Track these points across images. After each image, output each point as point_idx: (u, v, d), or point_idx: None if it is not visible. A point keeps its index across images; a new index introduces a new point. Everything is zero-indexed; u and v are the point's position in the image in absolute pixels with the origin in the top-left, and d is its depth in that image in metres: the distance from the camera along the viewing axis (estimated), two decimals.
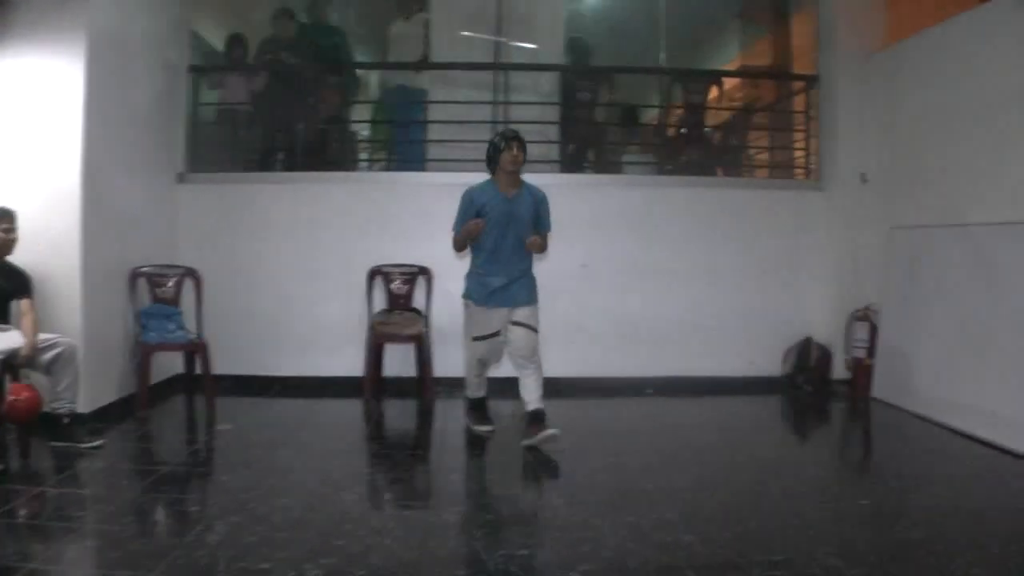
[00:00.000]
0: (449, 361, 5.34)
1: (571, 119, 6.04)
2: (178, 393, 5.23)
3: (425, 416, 5.03)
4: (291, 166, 5.92)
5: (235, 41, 5.94)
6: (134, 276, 4.95)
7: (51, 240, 4.27)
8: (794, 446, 4.75)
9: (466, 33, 5.82)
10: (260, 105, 5.96)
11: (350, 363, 5.32)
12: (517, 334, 4.14)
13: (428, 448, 4.46)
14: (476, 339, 4.22)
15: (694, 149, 6.06)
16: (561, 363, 5.38)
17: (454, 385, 5.25)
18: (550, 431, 3.98)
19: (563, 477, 3.77)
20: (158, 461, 3.96)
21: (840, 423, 5.26)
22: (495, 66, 5.80)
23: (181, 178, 5.65)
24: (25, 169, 4.34)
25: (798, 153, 6.00)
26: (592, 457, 3.97)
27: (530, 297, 4.22)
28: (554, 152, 5.95)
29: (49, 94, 4.35)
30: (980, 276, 4.44)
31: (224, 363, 5.39)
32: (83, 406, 4.18)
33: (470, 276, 4.27)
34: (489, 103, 5.70)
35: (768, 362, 5.64)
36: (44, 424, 3.86)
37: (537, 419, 4.09)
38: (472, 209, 4.15)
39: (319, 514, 3.06)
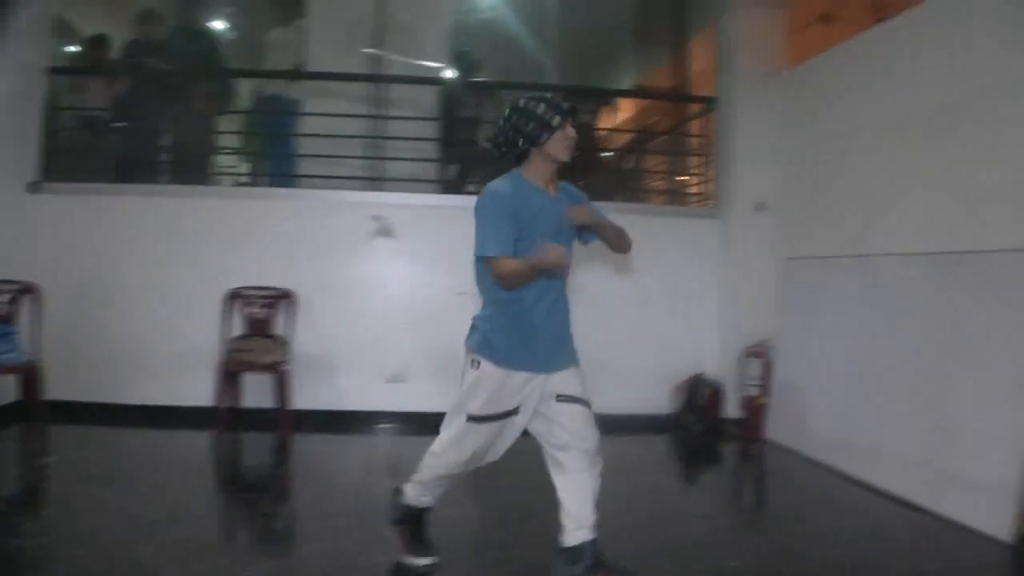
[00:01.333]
0: (311, 393, 5.49)
1: (453, 137, 6.25)
2: (16, 420, 5.13)
3: (277, 453, 5.06)
4: (153, 177, 6.01)
5: (96, 42, 6.06)
6: None
7: None
8: (674, 493, 4.71)
9: (344, 42, 6.08)
10: (122, 112, 6.04)
11: (206, 392, 5.31)
12: (573, 415, 3.00)
13: (267, 489, 4.39)
14: (475, 419, 2.99)
15: (584, 172, 6.31)
16: (434, 397, 5.63)
17: (315, 419, 5.44)
18: None
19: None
20: None
21: (728, 468, 5.36)
22: (374, 78, 5.97)
23: (34, 187, 5.66)
24: None
25: (694, 179, 6.24)
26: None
27: (574, 355, 3.20)
28: (433, 172, 6.13)
29: None
30: (879, 310, 4.57)
31: (72, 388, 5.49)
32: None
33: (490, 320, 3.17)
34: (366, 117, 5.87)
35: (656, 400, 5.78)
36: None
37: (602, 563, 2.93)
38: (514, 219, 2.96)
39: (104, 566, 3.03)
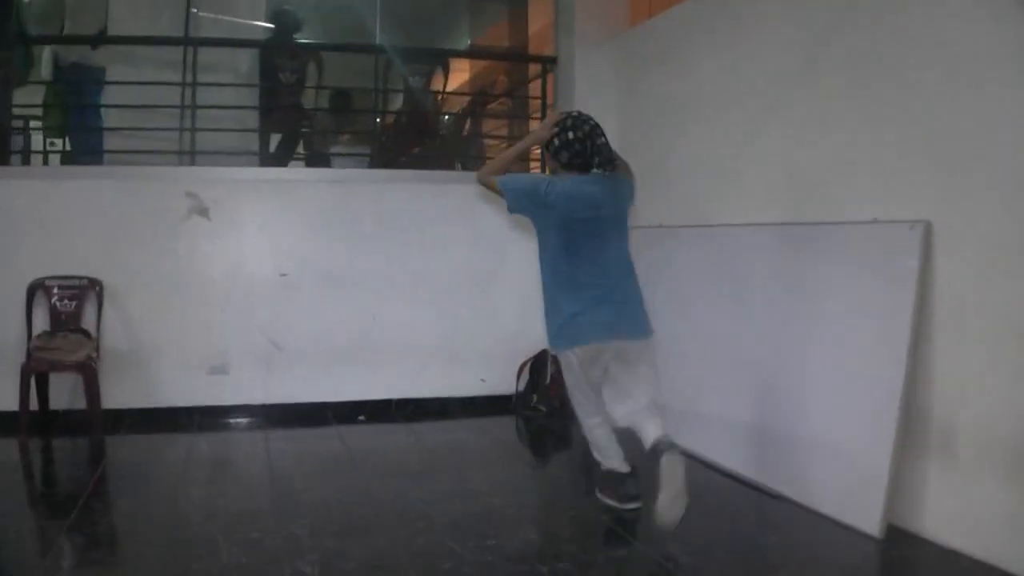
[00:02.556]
0: (125, 390, 5.55)
1: (272, 104, 6.28)
2: None
3: (87, 457, 5.06)
4: None
5: None
6: None
7: None
8: (501, 485, 4.48)
9: (150, 2, 6.10)
10: None
11: (10, 395, 5.19)
12: None
13: (73, 497, 4.19)
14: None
15: (414, 139, 6.47)
16: (256, 388, 5.76)
17: (131, 418, 5.51)
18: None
19: (300, 510, 3.90)
20: None
21: (569, 450, 5.44)
22: (184, 41, 5.90)
23: None
24: None
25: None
26: (295, 487, 4.27)
27: None
28: (253, 142, 6.19)
29: None
30: (726, 280, 4.71)
31: None
32: None
33: None
34: (176, 85, 5.80)
35: (501, 380, 6.00)
36: None
37: None
38: None
39: None
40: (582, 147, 3.72)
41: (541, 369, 6.01)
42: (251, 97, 6.28)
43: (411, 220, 5.94)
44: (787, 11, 4.37)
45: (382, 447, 5.28)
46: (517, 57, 6.58)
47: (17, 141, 6.22)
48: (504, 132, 6.75)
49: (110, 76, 6.19)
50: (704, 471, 4.52)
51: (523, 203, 3.80)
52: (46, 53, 6.28)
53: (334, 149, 6.54)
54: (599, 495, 3.98)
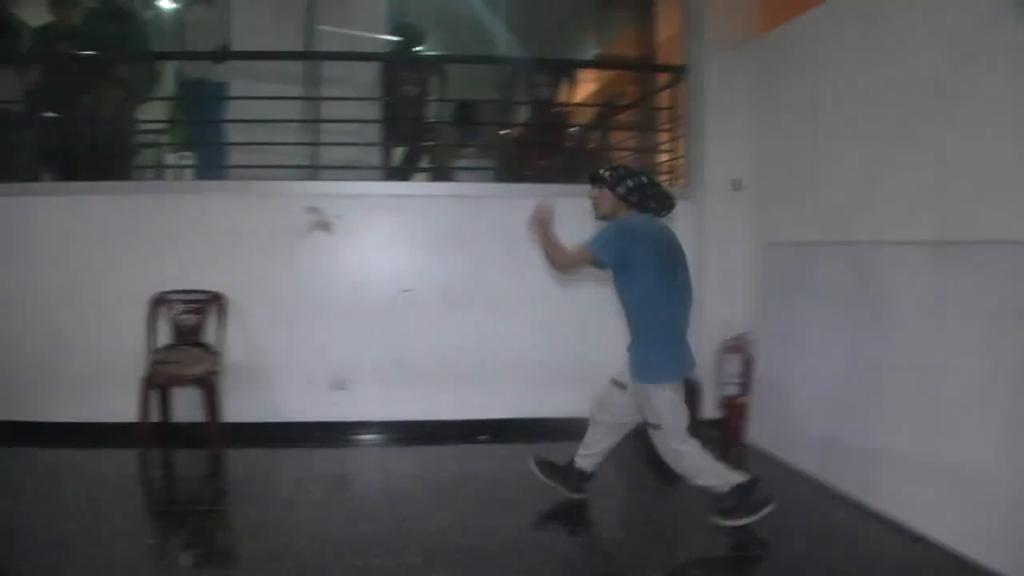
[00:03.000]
0: (245, 404, 5.67)
1: (395, 118, 6.33)
2: None
3: (206, 470, 5.21)
4: (68, 174, 6.11)
5: (2, 28, 6.15)
6: None
7: None
8: (623, 516, 4.62)
9: (271, 18, 6.24)
10: (32, 104, 6.16)
11: (131, 407, 5.33)
12: None
13: (190, 510, 4.42)
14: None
15: (544, 152, 6.43)
16: (376, 405, 5.81)
17: (250, 432, 5.62)
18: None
19: (390, 533, 3.96)
20: None
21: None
22: (306, 56, 6.07)
23: None
24: None
25: (663, 156, 6.31)
26: (412, 512, 4.26)
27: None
28: (375, 157, 6.21)
29: None
30: (869, 301, 4.52)
31: None
32: None
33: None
34: (299, 99, 5.98)
35: None
36: None
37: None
38: None
39: None
40: (650, 187, 4.19)
41: None
42: (373, 111, 6.35)
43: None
44: (936, 5, 4.19)
45: (502, 469, 5.21)
46: (645, 66, 6.57)
47: (142, 157, 6.42)
48: (632, 144, 6.72)
49: (232, 91, 6.35)
50: (846, 507, 4.40)
51: (621, 251, 4.03)
52: (169, 70, 6.51)
53: (457, 163, 6.57)
54: (730, 521, 4.06)
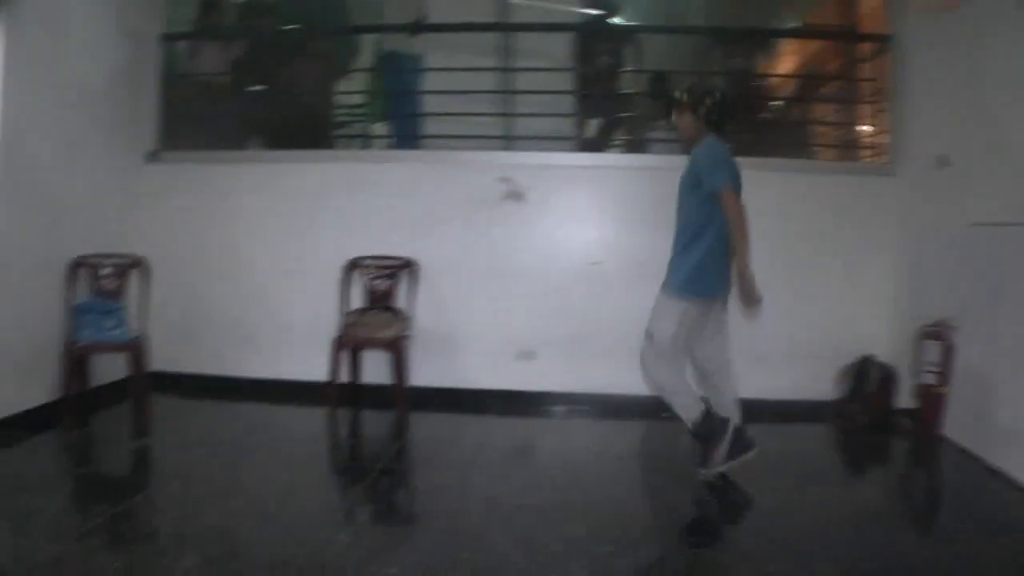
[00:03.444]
0: (432, 369, 5.94)
1: (591, 89, 6.43)
2: (126, 396, 5.71)
3: (390, 432, 5.46)
4: (270, 143, 6.56)
5: (209, 5, 6.61)
6: (73, 267, 5.49)
7: None
8: (824, 497, 4.39)
9: None
10: (237, 77, 6.62)
11: (323, 366, 5.75)
12: None
13: (371, 469, 4.62)
14: None
15: (742, 125, 6.26)
16: (563, 377, 5.96)
17: (436, 397, 5.89)
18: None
19: (559, 505, 4.03)
20: (39, 478, 4.31)
21: (892, 470, 5.23)
22: (499, 27, 6.23)
23: (152, 157, 6.34)
24: None
25: (864, 129, 6.17)
26: (585, 485, 4.35)
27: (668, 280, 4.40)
28: (569, 128, 6.35)
29: None
30: None
31: (186, 362, 6.22)
32: None
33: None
34: (493, 70, 6.14)
35: (818, 384, 5.82)
36: None
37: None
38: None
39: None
40: (725, 102, 4.37)
41: (863, 375, 5.78)
42: (567, 82, 6.50)
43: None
44: None
45: (683, 447, 5.10)
46: (847, 36, 6.44)
47: (340, 127, 6.80)
48: (835, 118, 6.65)
49: (428, 63, 6.59)
50: None
51: (736, 175, 4.24)
52: (367, 43, 6.84)
53: (651, 135, 6.66)
54: (712, 468, 4.30)
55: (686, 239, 4.30)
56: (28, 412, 5.19)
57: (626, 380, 5.78)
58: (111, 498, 4.01)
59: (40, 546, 3.37)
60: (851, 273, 5.94)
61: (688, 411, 4.31)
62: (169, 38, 6.57)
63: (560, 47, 6.54)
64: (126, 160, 6.25)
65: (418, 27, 6.48)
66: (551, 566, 3.31)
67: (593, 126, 6.68)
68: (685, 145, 4.49)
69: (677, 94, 4.36)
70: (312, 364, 5.90)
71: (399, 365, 5.73)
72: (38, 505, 3.83)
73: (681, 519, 3.98)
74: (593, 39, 6.50)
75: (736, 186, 4.17)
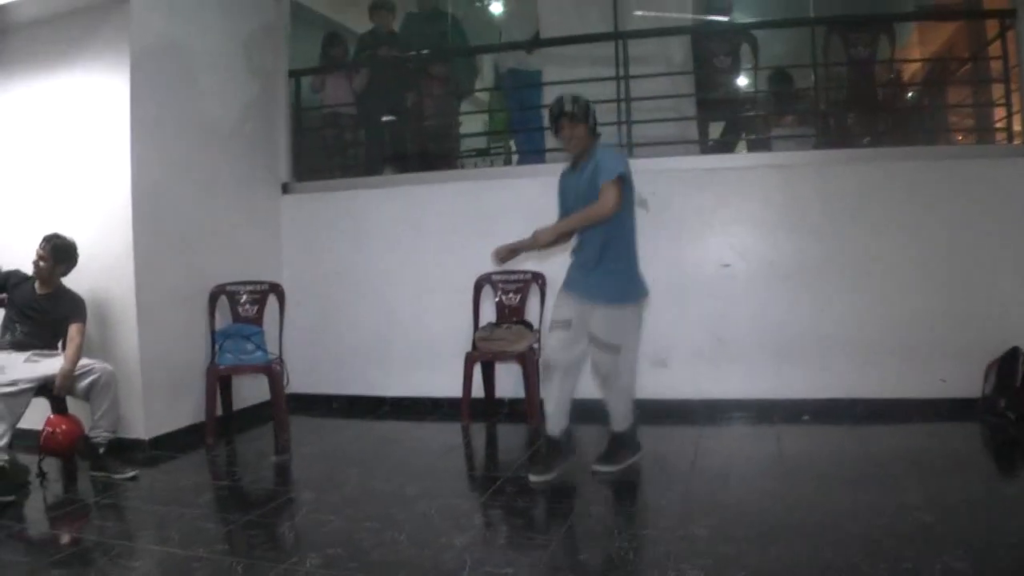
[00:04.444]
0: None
1: (709, 91, 6.24)
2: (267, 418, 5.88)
3: (522, 443, 5.45)
4: (397, 168, 6.64)
5: (332, 40, 6.80)
6: (215, 294, 5.75)
7: (106, 263, 5.15)
8: (941, 501, 3.88)
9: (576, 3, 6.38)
10: (362, 105, 6.77)
11: (457, 382, 5.80)
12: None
13: (501, 479, 4.57)
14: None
15: (865, 113, 6.08)
16: (696, 383, 5.80)
17: (575, 407, 5.91)
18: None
19: (708, 510, 3.84)
20: (180, 494, 4.46)
21: None
22: (614, 36, 6.10)
23: (286, 188, 6.60)
24: (79, 192, 5.27)
25: (997, 111, 5.89)
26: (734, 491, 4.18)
27: (601, 293, 4.39)
28: (691, 132, 6.20)
29: (98, 113, 5.26)
30: None
31: (327, 383, 6.42)
32: (144, 432, 5.18)
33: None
34: (611, 79, 6.01)
35: (964, 380, 5.48)
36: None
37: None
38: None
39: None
40: None
41: (1011, 369, 5.41)
42: (687, 85, 6.39)
43: (859, 203, 5.65)
44: None
45: (820, 450, 5.01)
46: (968, 14, 6.13)
47: (465, 146, 6.86)
48: (969, 100, 6.33)
49: (546, 78, 6.59)
50: None
51: (630, 173, 4.29)
52: (486, 62, 6.92)
53: (775, 132, 6.46)
54: (618, 465, 4.51)
55: (595, 252, 4.36)
56: (176, 432, 5.46)
57: (761, 384, 5.67)
58: (245, 508, 4.22)
59: (180, 549, 3.58)
60: (995, 261, 5.57)
61: (631, 414, 4.55)
62: (295, 74, 6.77)
63: (678, 52, 6.42)
64: (262, 192, 6.53)
65: (534, 43, 6.51)
66: (667, 563, 3.25)
67: (715, 128, 6.50)
68: (572, 158, 4.54)
69: (568, 108, 4.34)
70: (448, 380, 5.92)
71: (529, 377, 5.70)
72: (180, 514, 4.08)
73: (806, 519, 3.74)
74: (710, 40, 6.35)
75: (626, 188, 4.23)
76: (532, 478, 4.40)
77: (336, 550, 3.51)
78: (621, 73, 6.06)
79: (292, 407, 6.18)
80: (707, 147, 6.31)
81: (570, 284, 4.52)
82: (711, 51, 6.29)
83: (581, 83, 5.97)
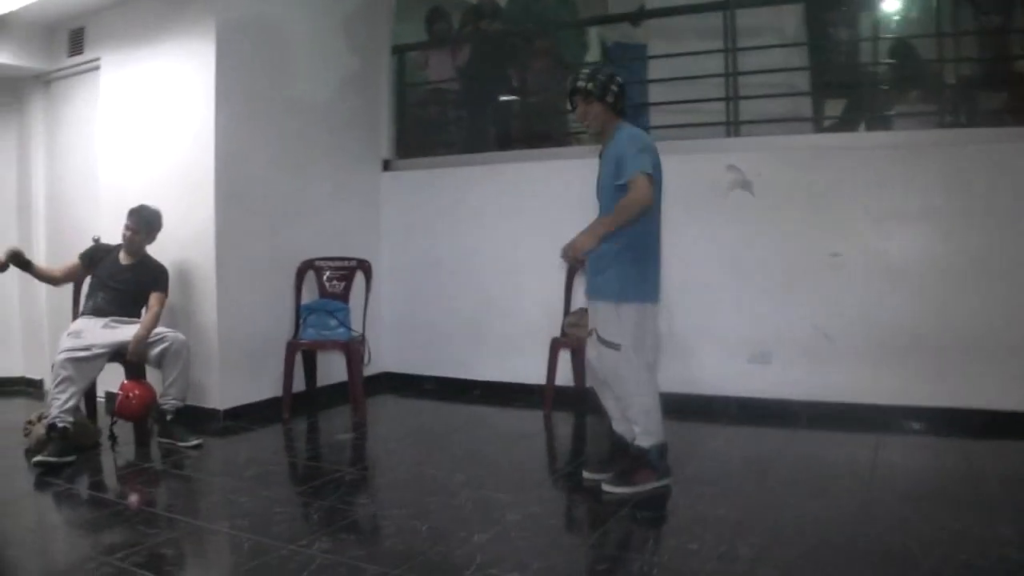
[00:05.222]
0: (663, 374, 5.45)
1: (824, 64, 5.65)
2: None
3: (586, 436, 5.25)
4: (500, 145, 6.41)
5: (435, 15, 6.60)
6: (302, 269, 5.75)
7: (190, 234, 5.32)
8: None
9: None
10: (465, 81, 6.57)
11: (542, 369, 5.56)
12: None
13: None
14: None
15: (996, 88, 5.36)
16: (798, 382, 5.23)
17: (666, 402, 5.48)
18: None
19: (763, 527, 3.44)
20: (245, 466, 4.45)
21: None
22: (722, 5, 5.60)
23: (387, 165, 6.53)
24: (168, 164, 5.38)
25: None
26: (802, 506, 3.67)
27: (598, 288, 3.97)
28: (804, 108, 5.63)
29: (185, 88, 5.36)
30: None
31: (422, 363, 6.36)
32: (219, 403, 5.21)
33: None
34: (717, 52, 5.55)
35: None
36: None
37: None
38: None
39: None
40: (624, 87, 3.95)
41: None
42: (798, 59, 5.77)
43: (987, 187, 4.94)
44: None
45: (920, 465, 4.40)
46: None
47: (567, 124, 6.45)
48: None
49: (651, 51, 6.19)
50: None
51: (656, 165, 3.85)
52: (592, 36, 6.54)
53: (896, 109, 5.73)
54: (628, 487, 3.83)
55: (610, 247, 3.85)
56: (253, 404, 5.49)
57: (866, 387, 5.08)
58: (285, 484, 4.30)
59: (197, 520, 3.66)
60: None
61: (656, 429, 3.97)
62: (399, 50, 6.67)
63: (791, 22, 5.84)
64: (362, 168, 6.51)
65: (639, 15, 6.12)
66: None
67: (831, 104, 5.87)
68: (595, 138, 4.16)
69: (581, 83, 3.88)
70: (540, 366, 5.63)
71: None
72: (218, 485, 4.28)
73: (867, 544, 3.23)
74: (826, 9, 5.72)
75: (656, 177, 3.79)
76: (604, 487, 3.90)
77: (349, 536, 3.41)
78: (728, 46, 5.52)
79: (384, 386, 6.28)
80: (823, 125, 5.68)
81: (587, 287, 4.11)
82: (827, 20, 5.64)
83: (687, 57, 5.61)
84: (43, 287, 5.70)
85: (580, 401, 5.62)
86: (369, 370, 6.06)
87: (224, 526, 3.54)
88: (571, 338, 5.45)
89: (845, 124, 5.71)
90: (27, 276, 5.12)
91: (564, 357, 5.65)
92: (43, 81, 6.40)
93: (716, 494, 3.86)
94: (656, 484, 3.87)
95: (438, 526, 3.46)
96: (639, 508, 3.69)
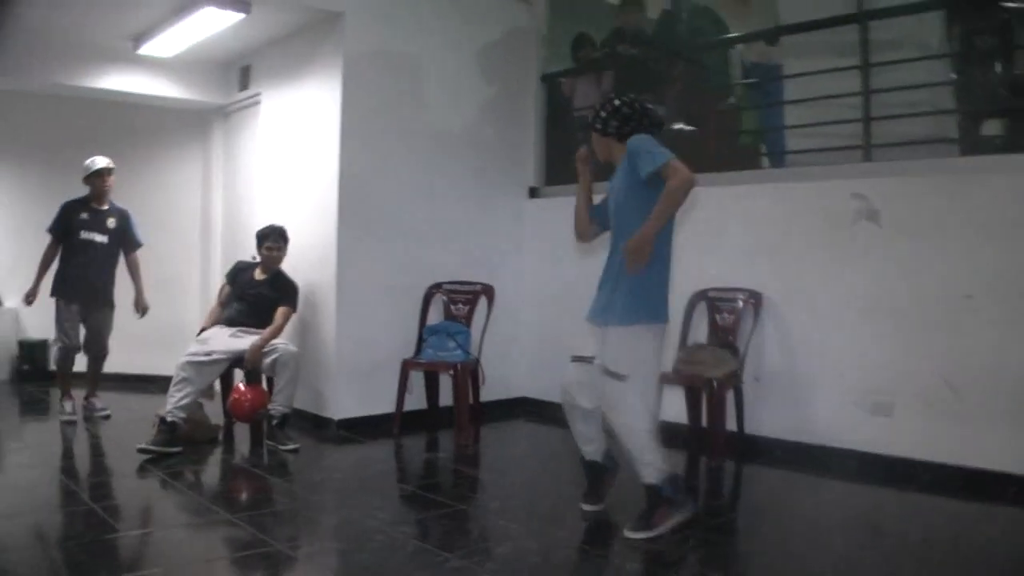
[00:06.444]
0: (770, 416, 5.08)
1: (969, 78, 4.88)
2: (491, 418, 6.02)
3: (705, 480, 4.82)
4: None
5: (581, 40, 6.51)
6: (430, 292, 5.90)
7: (317, 254, 5.73)
8: None
9: None
10: None
11: (676, 406, 5.25)
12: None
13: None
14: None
15: None
16: (921, 438, 4.55)
17: (774, 449, 5.03)
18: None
19: None
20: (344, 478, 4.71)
21: None
22: (855, 18, 5.02)
23: (533, 192, 6.56)
24: (302, 190, 5.95)
25: None
26: None
27: (615, 313, 3.64)
28: (951, 127, 4.93)
29: (317, 119, 5.82)
30: None
31: (555, 390, 6.10)
32: (334, 413, 5.60)
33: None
34: (849, 69, 4.98)
35: None
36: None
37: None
38: None
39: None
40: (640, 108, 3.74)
41: None
42: (940, 74, 5.06)
43: None
44: None
45: None
46: None
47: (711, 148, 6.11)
48: None
49: (787, 71, 5.73)
50: None
51: None
52: (733, 56, 6.19)
53: None
54: (648, 532, 3.53)
55: (615, 267, 3.72)
56: (368, 418, 5.72)
57: (1000, 449, 4.30)
58: (343, 498, 4.33)
59: (238, 521, 3.80)
60: None
61: (660, 462, 3.63)
62: (548, 78, 6.67)
63: (934, 33, 5.13)
64: (505, 195, 6.56)
65: (773, 31, 5.74)
66: None
67: (993, 127, 5.05)
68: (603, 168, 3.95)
69: (593, 122, 3.78)
70: (675, 402, 5.35)
71: (718, 407, 4.93)
72: (285, 490, 4.54)
73: None
74: (968, 18, 4.95)
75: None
76: (626, 533, 3.61)
77: (363, 555, 3.42)
78: (862, 62, 4.94)
79: (520, 411, 6.32)
80: (965, 147, 4.89)
81: (590, 311, 3.82)
82: (971, 29, 4.87)
83: (822, 75, 5.16)
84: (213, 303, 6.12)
85: (695, 440, 5.24)
86: (505, 394, 6.19)
87: (247, 532, 3.64)
88: (683, 375, 5.06)
89: (981, 146, 4.95)
90: (207, 297, 6.03)
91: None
92: (223, 113, 7.06)
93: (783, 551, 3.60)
94: (679, 519, 3.59)
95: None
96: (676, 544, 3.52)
